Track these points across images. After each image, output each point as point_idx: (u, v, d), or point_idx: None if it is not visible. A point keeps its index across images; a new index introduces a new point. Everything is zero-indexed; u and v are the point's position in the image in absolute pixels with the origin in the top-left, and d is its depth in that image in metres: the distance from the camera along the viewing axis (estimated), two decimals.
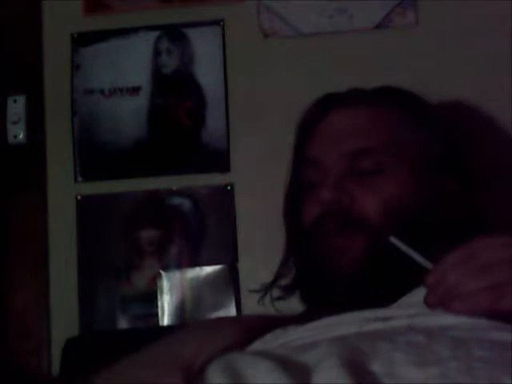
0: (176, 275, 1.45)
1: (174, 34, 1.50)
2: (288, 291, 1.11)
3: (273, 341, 0.84)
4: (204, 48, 1.50)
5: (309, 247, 1.02)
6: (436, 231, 1.02)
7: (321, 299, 0.99)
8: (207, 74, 1.49)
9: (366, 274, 0.96)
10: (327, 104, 1.11)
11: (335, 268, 0.97)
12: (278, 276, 1.12)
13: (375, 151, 1.03)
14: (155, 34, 1.51)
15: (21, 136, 1.50)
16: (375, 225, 0.98)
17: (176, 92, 1.50)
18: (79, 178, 1.49)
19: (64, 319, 1.46)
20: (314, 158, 1.06)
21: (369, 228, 0.98)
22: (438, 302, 0.77)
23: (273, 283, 1.13)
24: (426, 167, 1.05)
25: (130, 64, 1.51)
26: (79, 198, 1.49)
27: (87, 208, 1.49)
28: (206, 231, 1.46)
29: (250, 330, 0.92)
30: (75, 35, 1.52)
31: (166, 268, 1.46)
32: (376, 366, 0.59)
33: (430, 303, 0.78)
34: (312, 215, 1.02)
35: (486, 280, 0.75)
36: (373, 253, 0.97)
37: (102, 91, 1.50)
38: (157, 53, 1.50)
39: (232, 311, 1.43)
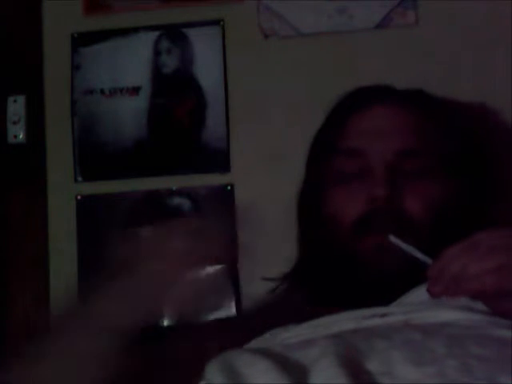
0: None
1: (174, 34, 1.50)
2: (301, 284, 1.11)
3: (271, 339, 0.84)
4: (204, 48, 1.50)
5: (349, 242, 1.01)
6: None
7: (355, 294, 0.98)
8: (207, 74, 1.49)
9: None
10: (367, 97, 1.12)
11: (381, 264, 0.97)
12: (294, 269, 1.12)
13: (422, 153, 1.05)
14: (155, 34, 1.50)
15: (21, 136, 1.50)
16: (422, 226, 0.99)
17: (176, 92, 1.50)
18: (79, 178, 1.49)
19: None
20: (356, 149, 1.06)
21: (417, 229, 0.99)
22: (443, 289, 0.77)
23: (290, 274, 1.13)
24: (450, 169, 1.07)
25: (130, 64, 1.51)
26: (79, 198, 1.49)
27: (87, 208, 1.49)
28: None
29: (248, 329, 0.92)
30: (75, 35, 1.52)
31: None
32: (373, 365, 0.58)
33: (435, 291, 0.77)
34: (356, 210, 1.02)
35: (491, 262, 0.76)
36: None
37: (102, 91, 1.50)
38: (157, 53, 1.50)
39: (232, 311, 1.43)
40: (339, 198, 1.05)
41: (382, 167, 1.02)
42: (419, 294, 0.80)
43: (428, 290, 0.78)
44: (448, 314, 0.73)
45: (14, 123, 1.50)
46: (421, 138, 1.07)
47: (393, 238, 0.91)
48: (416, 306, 0.78)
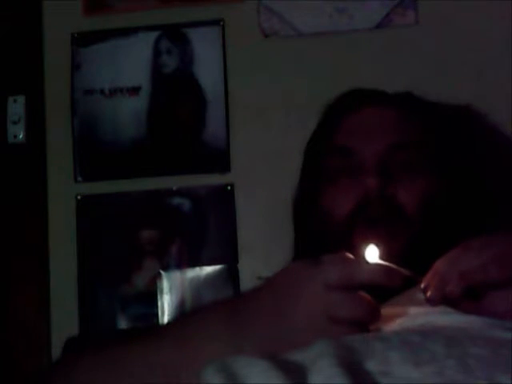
0: (176, 275, 1.45)
1: (174, 34, 1.50)
2: None
3: None
4: (204, 48, 1.50)
5: (343, 235, 1.02)
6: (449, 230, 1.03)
7: None
8: (207, 74, 1.49)
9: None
10: (359, 98, 1.14)
11: None
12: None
13: (412, 146, 1.06)
14: (155, 34, 1.51)
15: (21, 136, 1.50)
16: (413, 218, 1.01)
17: (176, 92, 1.50)
18: (79, 178, 1.49)
19: (64, 319, 1.47)
20: (348, 147, 1.08)
21: (408, 220, 1.01)
22: (442, 294, 0.75)
23: None
24: (439, 166, 1.08)
25: (130, 64, 1.51)
26: (79, 198, 1.49)
27: (87, 208, 1.49)
28: (205, 231, 1.46)
29: None
30: (75, 35, 1.52)
31: (166, 268, 1.46)
32: (371, 365, 0.58)
33: (433, 298, 0.76)
34: (349, 203, 1.03)
35: (490, 253, 0.74)
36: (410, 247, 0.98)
37: (102, 91, 1.50)
38: (157, 53, 1.51)
39: None
40: (333, 194, 1.07)
41: (374, 160, 1.04)
42: (412, 296, 0.79)
43: (427, 299, 0.77)
44: (444, 317, 0.73)
45: (14, 123, 1.50)
46: (409, 134, 1.09)
47: None
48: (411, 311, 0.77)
